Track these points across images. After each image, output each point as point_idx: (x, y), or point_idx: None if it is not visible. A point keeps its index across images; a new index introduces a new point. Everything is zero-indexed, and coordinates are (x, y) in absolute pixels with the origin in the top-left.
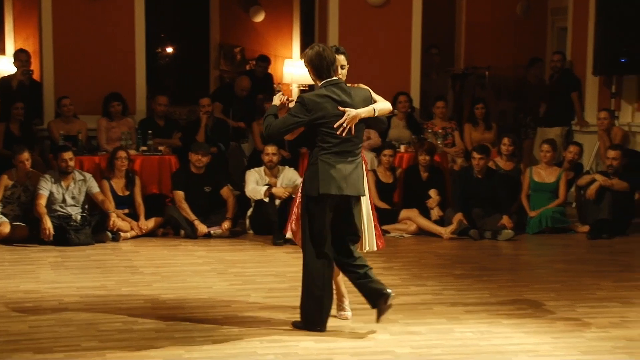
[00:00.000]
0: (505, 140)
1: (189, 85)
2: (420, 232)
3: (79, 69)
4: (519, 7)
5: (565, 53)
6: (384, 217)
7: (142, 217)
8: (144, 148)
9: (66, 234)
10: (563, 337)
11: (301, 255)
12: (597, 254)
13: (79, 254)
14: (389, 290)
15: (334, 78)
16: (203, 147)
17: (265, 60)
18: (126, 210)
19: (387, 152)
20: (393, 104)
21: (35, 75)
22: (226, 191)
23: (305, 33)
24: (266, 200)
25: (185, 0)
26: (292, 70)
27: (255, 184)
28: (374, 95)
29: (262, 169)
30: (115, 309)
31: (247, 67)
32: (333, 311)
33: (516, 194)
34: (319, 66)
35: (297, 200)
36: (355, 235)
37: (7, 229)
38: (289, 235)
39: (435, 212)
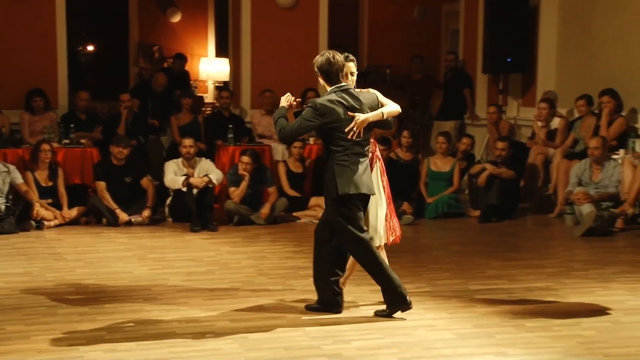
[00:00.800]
0: (405, 133)
1: (109, 81)
2: None
3: (2, 66)
4: (416, 10)
5: (457, 53)
6: (294, 205)
7: (65, 207)
8: (67, 141)
9: None
10: (457, 312)
11: (217, 241)
12: (487, 236)
13: (3, 242)
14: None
15: (343, 84)
16: (123, 140)
17: (182, 58)
18: (50, 200)
19: (297, 144)
20: (302, 100)
21: None
22: (146, 181)
23: (220, 33)
24: (184, 189)
25: (104, 0)
26: (208, 68)
27: (174, 174)
28: (382, 99)
29: (179, 160)
30: (39, 294)
31: (165, 65)
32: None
33: (415, 182)
34: (329, 72)
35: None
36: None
37: None
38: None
39: None
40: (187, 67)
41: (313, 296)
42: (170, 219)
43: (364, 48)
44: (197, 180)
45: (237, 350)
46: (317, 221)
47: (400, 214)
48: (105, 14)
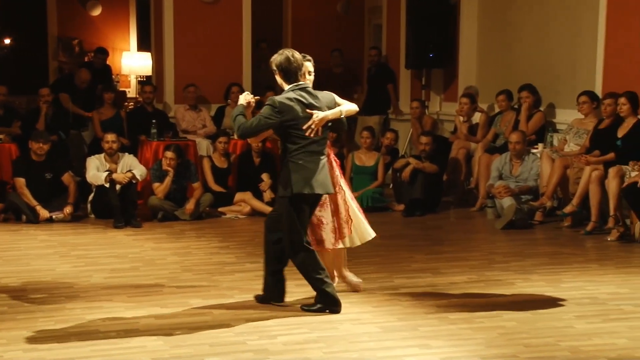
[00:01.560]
0: None
1: (28, 75)
2: (254, 213)
3: None
4: (339, 5)
5: (381, 48)
6: (219, 200)
7: None
8: None
9: None
10: (382, 306)
11: (141, 237)
12: (411, 230)
13: None
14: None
15: (302, 82)
16: (43, 136)
17: (103, 53)
18: None
19: (222, 139)
20: (226, 95)
21: None
22: (67, 177)
23: (142, 26)
24: (107, 185)
25: None
26: (130, 62)
27: (96, 170)
28: (338, 99)
29: (102, 155)
30: None
31: (86, 59)
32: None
33: None
34: (288, 70)
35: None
36: None
37: None
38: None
39: (268, 195)
40: (108, 62)
41: (239, 292)
42: (92, 216)
43: (287, 42)
44: (120, 176)
45: (161, 347)
46: (243, 216)
47: None
48: (23, 6)
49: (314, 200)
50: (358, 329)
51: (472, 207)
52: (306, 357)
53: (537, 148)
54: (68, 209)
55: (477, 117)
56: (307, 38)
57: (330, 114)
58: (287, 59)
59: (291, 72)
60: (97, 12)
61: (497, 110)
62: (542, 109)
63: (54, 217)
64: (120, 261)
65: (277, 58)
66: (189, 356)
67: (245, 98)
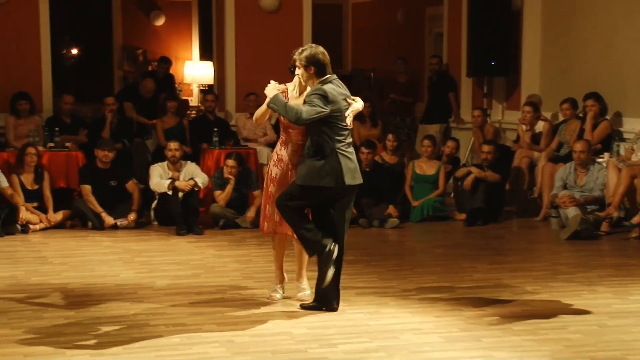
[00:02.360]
0: (390, 136)
1: (94, 84)
2: None
3: None
4: (400, 14)
5: (441, 57)
6: None
7: (50, 210)
8: (52, 144)
9: None
10: (444, 316)
11: (202, 244)
12: (473, 240)
13: None
14: None
15: (334, 75)
16: (108, 143)
17: (166, 62)
18: (35, 204)
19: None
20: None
21: None
22: (131, 185)
23: (204, 36)
24: (170, 193)
25: (87, 4)
26: (192, 71)
27: (159, 177)
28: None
29: (165, 163)
30: (25, 298)
31: (149, 68)
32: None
33: (400, 185)
34: (323, 63)
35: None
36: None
37: None
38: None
39: None
40: (171, 71)
41: (300, 300)
42: (155, 223)
43: (347, 51)
44: (182, 183)
45: (223, 354)
46: None
47: (385, 218)
48: (89, 17)
49: (353, 190)
50: (419, 338)
51: (535, 217)
52: None
53: (602, 157)
54: (132, 216)
55: (540, 126)
56: (366, 47)
57: (361, 105)
58: (321, 52)
59: (326, 65)
60: (160, 22)
61: (561, 118)
62: (608, 117)
63: (118, 223)
64: (182, 268)
65: (308, 51)
66: None
67: (276, 87)
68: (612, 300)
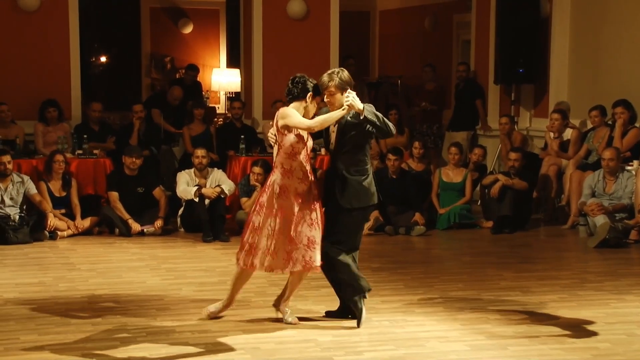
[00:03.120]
0: (417, 144)
1: (122, 92)
2: None
3: (16, 77)
4: (427, 21)
5: (469, 64)
6: None
7: (78, 217)
8: (80, 151)
9: (5, 234)
10: (470, 324)
11: (229, 251)
12: (499, 248)
13: (17, 252)
14: None
15: None
16: (136, 150)
17: (194, 69)
18: (63, 210)
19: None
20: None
21: None
22: (158, 192)
23: (231, 44)
24: (196, 200)
25: (116, 12)
26: (220, 79)
27: (186, 184)
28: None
29: (192, 170)
30: (53, 304)
31: (177, 76)
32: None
33: (427, 192)
34: (352, 85)
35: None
36: None
37: None
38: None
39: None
40: (198, 78)
41: (325, 306)
42: (182, 229)
43: (375, 59)
44: (209, 190)
45: None
46: None
47: (412, 225)
48: (118, 25)
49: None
50: (445, 347)
51: (562, 224)
52: None
53: (631, 165)
54: (159, 223)
55: (568, 133)
56: (394, 54)
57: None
58: (348, 75)
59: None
60: (188, 30)
61: (589, 126)
62: (637, 125)
63: (145, 230)
64: (209, 274)
65: (340, 76)
66: None
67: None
68: None
